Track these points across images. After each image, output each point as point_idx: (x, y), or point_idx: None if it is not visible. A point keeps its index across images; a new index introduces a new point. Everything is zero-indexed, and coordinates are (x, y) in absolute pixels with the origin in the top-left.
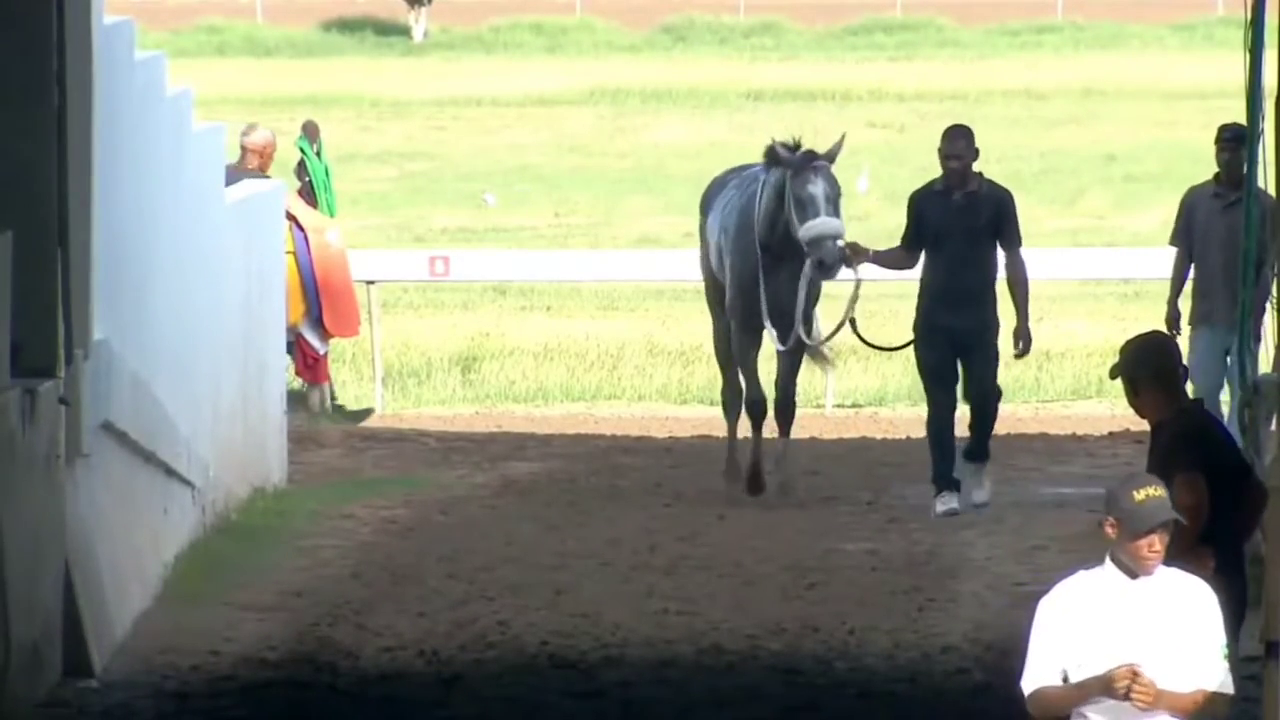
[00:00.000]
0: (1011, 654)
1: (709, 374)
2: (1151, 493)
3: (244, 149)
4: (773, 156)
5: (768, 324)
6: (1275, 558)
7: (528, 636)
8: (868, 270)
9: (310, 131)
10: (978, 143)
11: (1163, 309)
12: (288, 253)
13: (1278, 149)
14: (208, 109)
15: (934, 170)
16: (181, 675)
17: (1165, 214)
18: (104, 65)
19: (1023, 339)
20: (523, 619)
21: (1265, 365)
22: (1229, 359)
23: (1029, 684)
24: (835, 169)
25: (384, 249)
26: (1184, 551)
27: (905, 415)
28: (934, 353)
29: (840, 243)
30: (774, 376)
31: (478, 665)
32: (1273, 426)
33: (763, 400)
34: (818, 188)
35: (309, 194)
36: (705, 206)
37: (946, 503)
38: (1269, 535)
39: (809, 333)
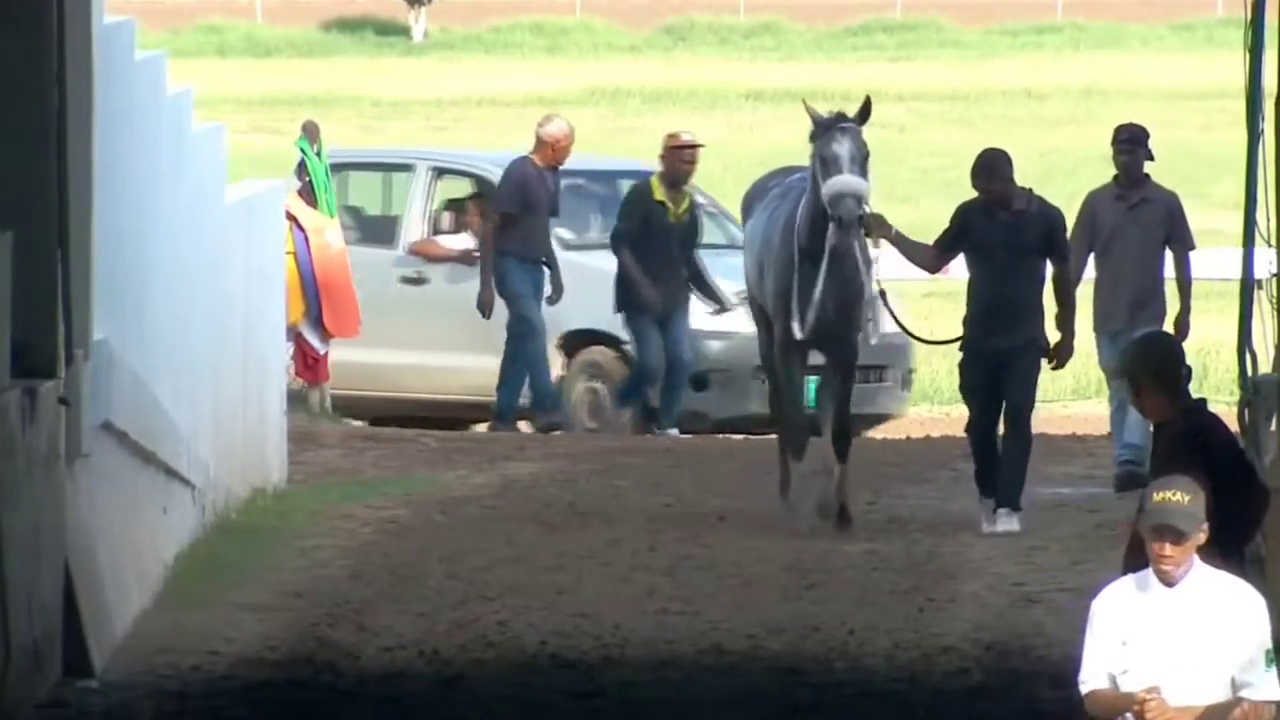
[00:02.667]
0: (1012, 654)
1: None
2: (1168, 496)
3: (539, 139)
4: (817, 123)
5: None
6: (1275, 558)
7: (528, 636)
8: (910, 270)
9: (310, 131)
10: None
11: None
12: (288, 253)
13: (1278, 149)
14: (208, 109)
15: (933, 170)
16: (181, 675)
17: None
18: (104, 65)
19: (1061, 353)
20: (523, 619)
21: (1265, 365)
22: None
23: (1085, 683)
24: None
25: None
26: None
27: (905, 415)
28: (974, 374)
29: (866, 208)
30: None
31: (478, 665)
32: (1273, 426)
33: (804, 423)
34: (843, 147)
35: (309, 194)
36: (746, 210)
37: (1007, 522)
38: (1269, 535)
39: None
